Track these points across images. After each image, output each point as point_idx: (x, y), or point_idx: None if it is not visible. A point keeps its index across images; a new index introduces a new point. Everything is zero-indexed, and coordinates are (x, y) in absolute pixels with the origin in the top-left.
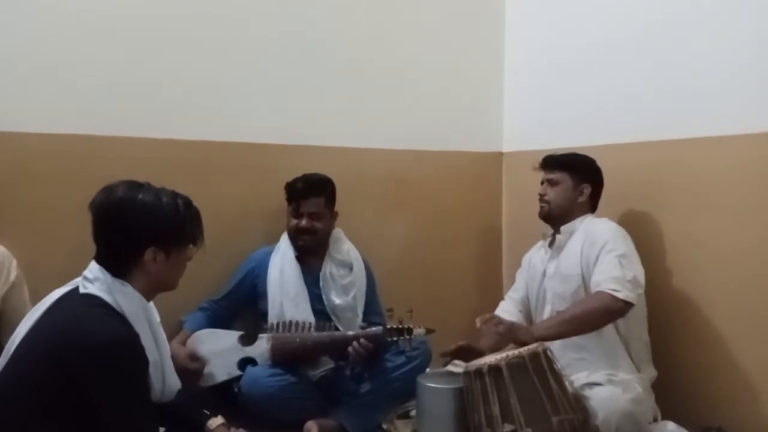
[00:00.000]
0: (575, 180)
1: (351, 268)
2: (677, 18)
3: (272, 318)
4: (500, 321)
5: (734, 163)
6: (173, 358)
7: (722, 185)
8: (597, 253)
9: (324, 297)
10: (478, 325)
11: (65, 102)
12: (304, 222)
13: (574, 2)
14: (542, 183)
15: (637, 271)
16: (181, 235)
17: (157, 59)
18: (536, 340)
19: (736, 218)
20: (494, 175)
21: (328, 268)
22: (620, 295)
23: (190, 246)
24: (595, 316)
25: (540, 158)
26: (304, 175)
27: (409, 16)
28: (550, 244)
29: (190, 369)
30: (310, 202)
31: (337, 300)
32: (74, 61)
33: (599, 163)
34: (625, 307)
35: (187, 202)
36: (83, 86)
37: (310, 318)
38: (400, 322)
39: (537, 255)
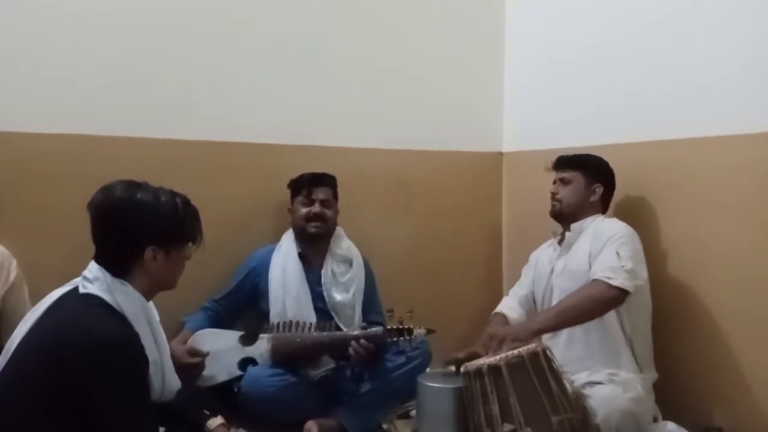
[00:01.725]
0: (588, 179)
1: (351, 265)
2: (677, 18)
3: (274, 317)
4: (500, 341)
5: (734, 163)
6: (173, 355)
7: (722, 185)
8: (601, 247)
9: (325, 294)
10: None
11: (65, 102)
12: (316, 208)
13: (574, 2)
14: (554, 182)
15: (637, 264)
16: (181, 234)
17: (157, 59)
18: (536, 335)
19: (736, 218)
20: (494, 175)
21: (330, 266)
22: (614, 282)
23: (190, 245)
24: (590, 304)
25: (540, 158)
26: (310, 171)
27: (409, 16)
28: (560, 242)
29: (190, 364)
30: (321, 189)
31: (338, 297)
32: (74, 61)
33: None
34: (620, 294)
35: (186, 201)
36: (83, 86)
37: (312, 316)
38: (401, 323)
39: (545, 252)
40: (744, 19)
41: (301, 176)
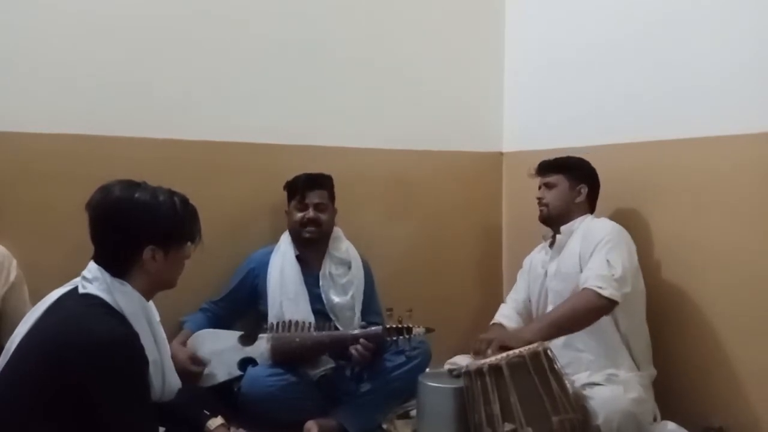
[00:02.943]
0: (571, 181)
1: (349, 267)
2: (677, 18)
3: (272, 318)
4: (488, 343)
5: (734, 163)
6: (174, 358)
7: (722, 185)
8: (591, 251)
9: (323, 296)
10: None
11: (65, 102)
12: (310, 213)
13: (574, 2)
14: (540, 188)
15: (626, 268)
16: (180, 234)
17: (157, 59)
18: (527, 343)
19: (736, 218)
20: (494, 175)
21: (328, 268)
22: (605, 293)
23: (189, 244)
24: (580, 314)
25: (540, 158)
26: (305, 173)
27: (409, 16)
28: (551, 245)
29: (192, 371)
30: (315, 193)
31: (336, 299)
32: (74, 61)
33: (599, 163)
34: (609, 304)
35: (184, 200)
36: (83, 86)
37: (310, 318)
38: (400, 322)
39: (538, 256)
40: (744, 19)
41: (296, 179)
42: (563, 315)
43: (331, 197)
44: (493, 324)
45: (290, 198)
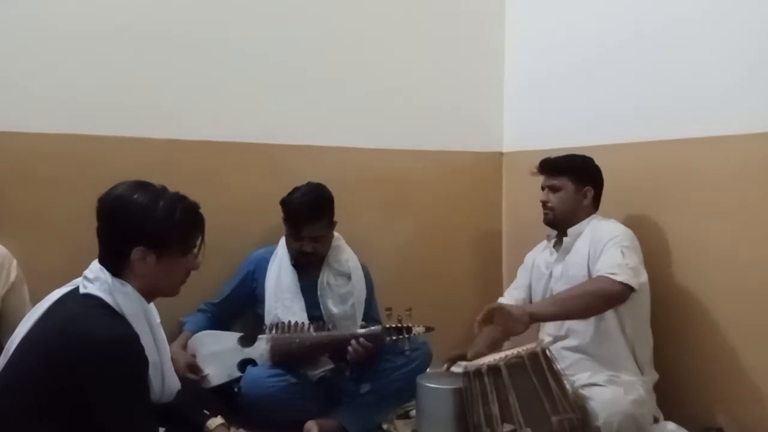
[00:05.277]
0: (577, 184)
1: (349, 278)
2: (677, 18)
3: (268, 323)
4: (492, 311)
5: (735, 163)
6: (173, 363)
7: (723, 185)
8: (600, 250)
9: (321, 305)
10: (476, 330)
11: (65, 102)
12: (307, 247)
13: (575, 3)
14: (543, 189)
15: (639, 262)
16: (171, 241)
17: (158, 59)
18: (529, 317)
19: (736, 219)
20: (494, 175)
21: (326, 277)
22: (618, 278)
23: (192, 254)
24: (591, 298)
25: (539, 160)
26: (303, 195)
27: (410, 17)
28: (556, 246)
29: (189, 381)
30: (312, 227)
31: (334, 309)
32: (74, 60)
33: (600, 164)
34: (624, 290)
35: (187, 209)
36: (83, 86)
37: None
38: (399, 321)
39: (541, 256)
40: (744, 20)
41: (295, 206)
42: (572, 296)
43: (330, 222)
44: None
45: (286, 223)
